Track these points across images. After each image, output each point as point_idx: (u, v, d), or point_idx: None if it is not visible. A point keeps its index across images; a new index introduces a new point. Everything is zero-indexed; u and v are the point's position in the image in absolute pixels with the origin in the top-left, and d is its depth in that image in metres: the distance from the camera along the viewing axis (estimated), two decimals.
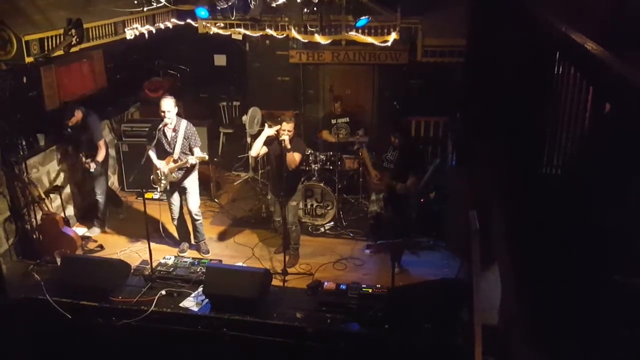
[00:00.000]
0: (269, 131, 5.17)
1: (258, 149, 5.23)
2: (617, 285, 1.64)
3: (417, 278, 5.22)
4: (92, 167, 5.69)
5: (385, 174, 5.49)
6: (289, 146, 5.05)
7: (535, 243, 2.48)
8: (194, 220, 5.63)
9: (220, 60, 8.12)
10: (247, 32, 6.39)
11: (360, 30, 5.73)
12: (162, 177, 5.35)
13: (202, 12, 5.60)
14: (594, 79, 1.93)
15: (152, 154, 5.33)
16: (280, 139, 5.04)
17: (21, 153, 5.50)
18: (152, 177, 5.45)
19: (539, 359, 2.32)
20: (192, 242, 5.81)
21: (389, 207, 5.59)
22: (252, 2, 5.45)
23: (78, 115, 5.73)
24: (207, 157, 5.39)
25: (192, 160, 5.19)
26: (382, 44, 5.87)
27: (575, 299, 2.00)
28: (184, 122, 5.30)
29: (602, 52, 1.79)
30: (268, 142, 5.25)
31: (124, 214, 6.55)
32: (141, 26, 6.25)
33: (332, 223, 6.25)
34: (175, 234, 5.89)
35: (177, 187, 5.47)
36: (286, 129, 5.06)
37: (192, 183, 5.48)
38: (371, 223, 5.84)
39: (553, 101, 2.51)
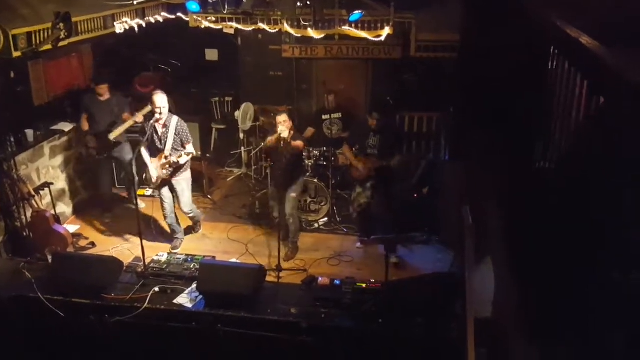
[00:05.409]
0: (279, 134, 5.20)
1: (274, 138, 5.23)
2: (613, 279, 1.65)
3: (410, 272, 5.24)
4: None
5: (370, 160, 5.41)
6: (289, 139, 5.17)
7: (529, 237, 2.49)
8: (188, 216, 5.76)
9: (211, 54, 8.04)
10: (239, 26, 6.31)
11: (353, 25, 5.70)
12: (154, 175, 5.32)
13: (193, 5, 5.54)
14: (589, 73, 1.93)
15: (144, 152, 5.28)
16: (281, 136, 5.11)
17: (10, 150, 5.41)
18: (144, 175, 5.41)
19: (535, 351, 2.34)
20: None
21: (376, 198, 5.48)
22: None
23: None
24: (194, 153, 5.41)
25: (182, 159, 5.19)
26: (376, 39, 5.83)
27: (569, 291, 2.02)
28: (174, 118, 5.25)
29: (597, 47, 1.79)
30: (274, 147, 5.30)
31: (110, 219, 6.33)
32: (131, 20, 6.16)
33: (326, 219, 6.25)
34: (168, 231, 5.85)
35: (168, 184, 5.44)
36: (281, 121, 5.13)
37: (183, 184, 5.46)
38: (359, 218, 5.72)
39: (547, 95, 2.51)
